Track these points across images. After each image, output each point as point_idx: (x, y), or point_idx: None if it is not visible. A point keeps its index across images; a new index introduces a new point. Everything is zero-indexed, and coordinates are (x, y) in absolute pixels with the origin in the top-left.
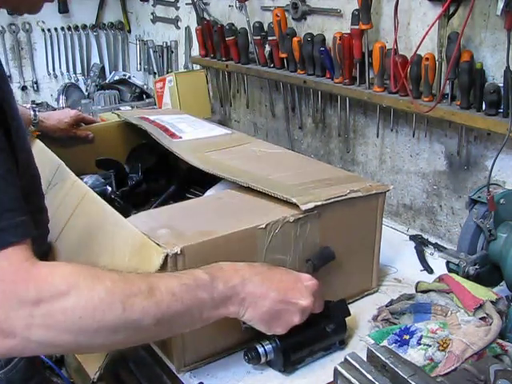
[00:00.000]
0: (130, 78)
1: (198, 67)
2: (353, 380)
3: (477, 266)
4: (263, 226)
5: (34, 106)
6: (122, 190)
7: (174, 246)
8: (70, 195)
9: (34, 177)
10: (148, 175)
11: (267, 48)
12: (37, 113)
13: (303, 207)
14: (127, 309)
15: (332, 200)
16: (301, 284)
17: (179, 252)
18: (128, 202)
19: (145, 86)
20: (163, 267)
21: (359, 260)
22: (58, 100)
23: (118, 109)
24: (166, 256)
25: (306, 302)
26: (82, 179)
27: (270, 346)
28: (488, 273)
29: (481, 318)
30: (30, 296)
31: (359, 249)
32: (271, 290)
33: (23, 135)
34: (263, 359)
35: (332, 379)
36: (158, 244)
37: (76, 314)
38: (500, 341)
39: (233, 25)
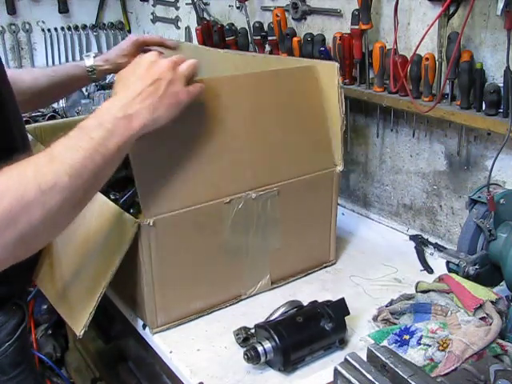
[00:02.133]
0: None
1: None
2: (353, 380)
3: (477, 266)
4: (227, 200)
5: (93, 53)
6: None
7: (148, 218)
8: None
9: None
10: (128, 162)
11: (267, 48)
12: (92, 60)
13: None
14: (40, 179)
15: (291, 180)
16: (148, 62)
17: (151, 223)
18: (108, 187)
19: None
20: (137, 236)
21: (317, 234)
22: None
23: None
24: (139, 226)
25: (165, 62)
26: None
27: (269, 345)
28: (488, 273)
29: (481, 318)
30: None
31: (317, 224)
32: (137, 85)
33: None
34: (263, 358)
35: (332, 379)
36: (132, 216)
37: (4, 209)
38: (500, 341)
39: (233, 25)
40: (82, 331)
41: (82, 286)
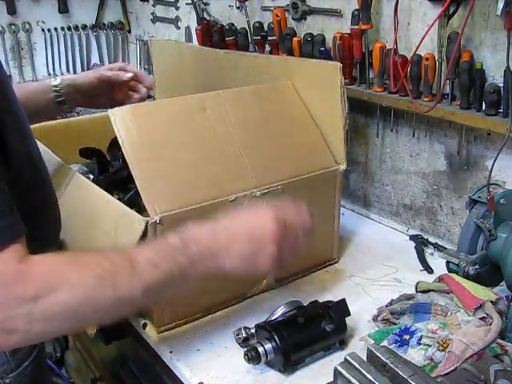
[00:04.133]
0: None
1: None
2: (353, 380)
3: (477, 266)
4: (233, 198)
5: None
6: (104, 175)
7: (154, 216)
8: (58, 178)
9: (38, 172)
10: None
11: (267, 48)
12: (59, 79)
13: None
14: (116, 289)
15: (295, 178)
16: (261, 215)
17: (158, 221)
18: (109, 185)
19: None
20: (144, 234)
21: (321, 232)
22: None
23: None
24: (147, 224)
25: (272, 227)
26: None
27: (270, 345)
28: (488, 273)
29: (481, 318)
30: (28, 295)
31: (320, 222)
32: (237, 234)
33: (22, 127)
34: (263, 359)
35: (332, 379)
36: (139, 214)
37: (71, 305)
38: (500, 341)
39: (233, 25)
40: (94, 330)
41: None
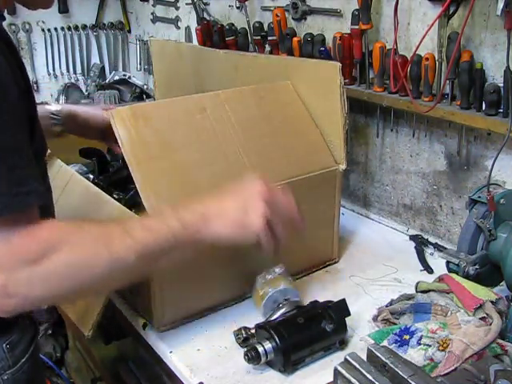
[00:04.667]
0: (129, 77)
1: None
2: (353, 380)
3: (477, 266)
4: None
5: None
6: (104, 175)
7: None
8: (57, 178)
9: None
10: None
11: (267, 48)
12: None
13: None
14: (112, 250)
15: (294, 179)
16: (247, 180)
17: None
18: (109, 185)
19: (145, 86)
20: None
21: (320, 233)
22: (57, 100)
23: None
24: None
25: (258, 188)
26: None
27: (270, 345)
28: (488, 273)
29: (481, 318)
30: (32, 256)
31: (320, 223)
32: (225, 196)
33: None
34: (263, 359)
35: (332, 379)
36: (139, 214)
37: (71, 264)
38: (500, 341)
39: (233, 25)
40: (90, 332)
41: None
